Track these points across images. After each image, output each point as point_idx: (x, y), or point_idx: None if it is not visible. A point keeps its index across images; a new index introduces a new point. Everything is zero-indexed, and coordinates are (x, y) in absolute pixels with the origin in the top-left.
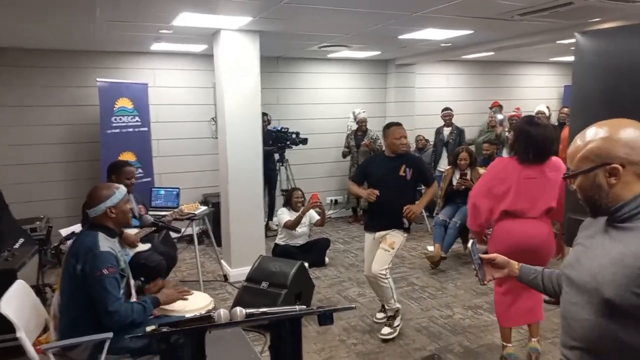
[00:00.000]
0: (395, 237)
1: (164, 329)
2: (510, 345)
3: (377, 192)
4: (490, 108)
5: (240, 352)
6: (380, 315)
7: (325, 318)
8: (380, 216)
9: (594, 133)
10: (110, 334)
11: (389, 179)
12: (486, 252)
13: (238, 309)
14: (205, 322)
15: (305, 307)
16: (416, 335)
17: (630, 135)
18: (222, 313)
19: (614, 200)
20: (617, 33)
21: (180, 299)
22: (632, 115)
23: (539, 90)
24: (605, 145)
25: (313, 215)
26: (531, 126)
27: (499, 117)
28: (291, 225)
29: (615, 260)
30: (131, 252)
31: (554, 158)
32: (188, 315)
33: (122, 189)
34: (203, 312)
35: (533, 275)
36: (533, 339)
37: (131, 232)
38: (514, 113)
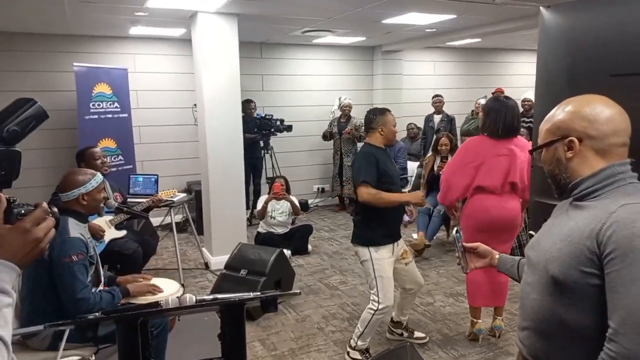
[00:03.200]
0: (404, 245)
1: (91, 317)
2: (480, 321)
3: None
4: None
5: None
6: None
7: (269, 305)
8: (397, 221)
9: (563, 107)
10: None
11: (396, 174)
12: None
13: (188, 295)
14: (144, 310)
15: (259, 293)
16: None
17: (594, 110)
18: (171, 300)
19: (572, 175)
20: (583, 6)
21: (150, 292)
22: (595, 93)
23: (527, 78)
24: (567, 118)
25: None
26: (499, 104)
27: (482, 101)
28: (259, 215)
29: (564, 237)
30: (106, 239)
31: (521, 137)
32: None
33: (98, 177)
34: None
35: (510, 264)
36: (498, 318)
37: (99, 220)
38: None
